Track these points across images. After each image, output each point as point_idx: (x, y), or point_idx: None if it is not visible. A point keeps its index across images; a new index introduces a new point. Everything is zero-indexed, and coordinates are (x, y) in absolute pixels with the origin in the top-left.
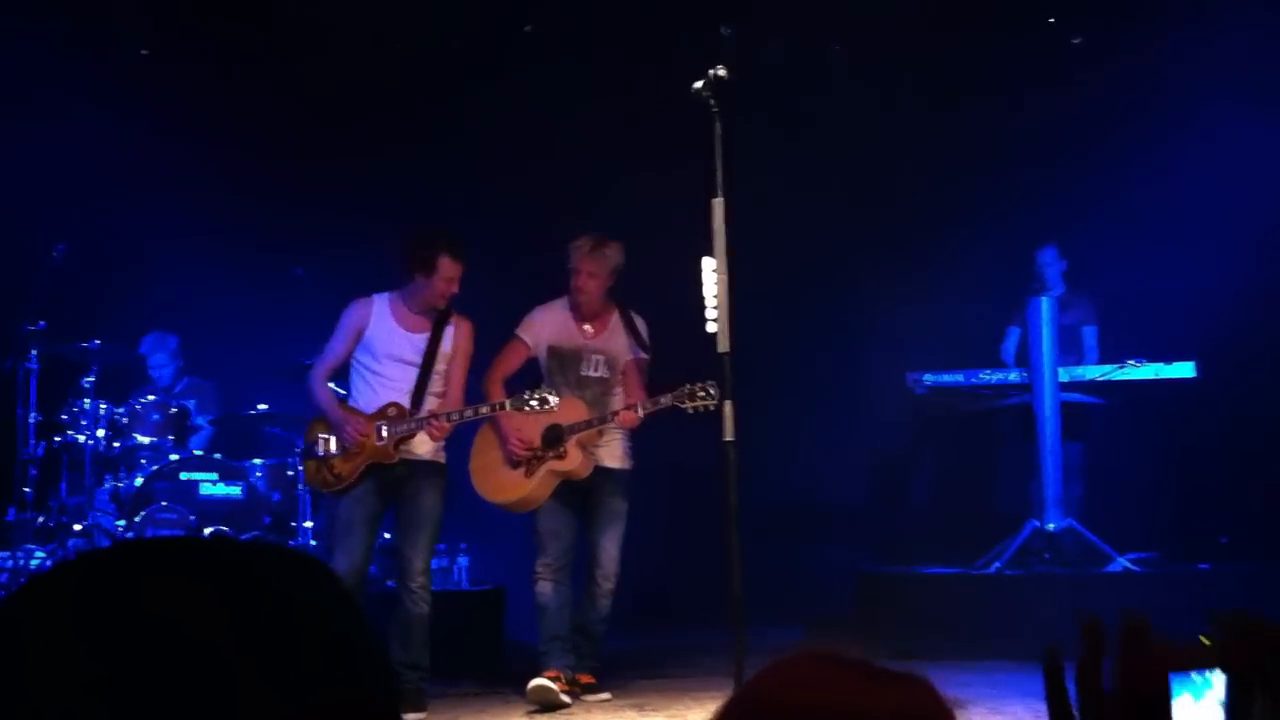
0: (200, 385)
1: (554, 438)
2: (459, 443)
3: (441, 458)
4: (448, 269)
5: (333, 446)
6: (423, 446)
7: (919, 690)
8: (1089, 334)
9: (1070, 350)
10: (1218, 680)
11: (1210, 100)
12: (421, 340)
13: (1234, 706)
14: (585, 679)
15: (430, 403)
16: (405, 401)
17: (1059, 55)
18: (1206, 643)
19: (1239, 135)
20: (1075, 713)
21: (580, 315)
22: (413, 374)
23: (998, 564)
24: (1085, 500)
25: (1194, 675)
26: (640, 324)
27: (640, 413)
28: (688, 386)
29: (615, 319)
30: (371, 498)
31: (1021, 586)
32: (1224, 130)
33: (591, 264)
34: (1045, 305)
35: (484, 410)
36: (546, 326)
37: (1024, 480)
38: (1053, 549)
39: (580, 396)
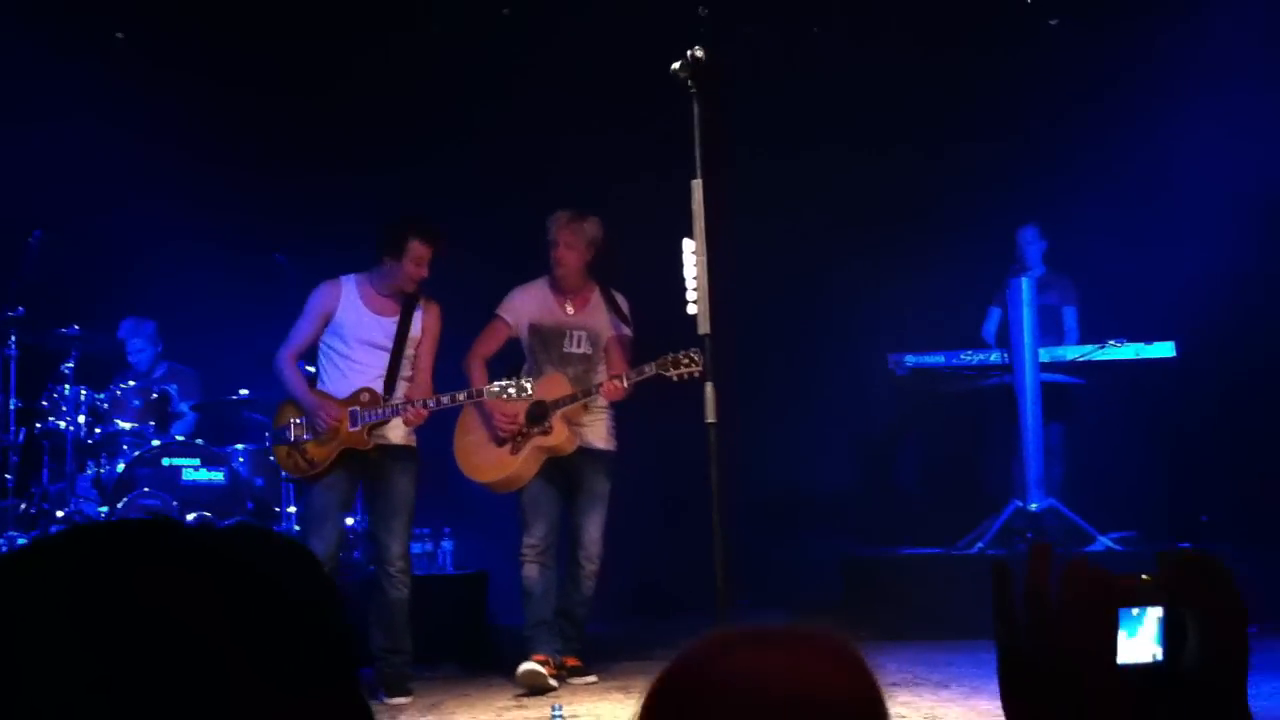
0: (180, 370)
1: (539, 414)
2: (432, 426)
3: (413, 441)
4: (417, 251)
5: (304, 431)
6: (395, 432)
7: (841, 663)
8: (1069, 314)
9: (1050, 331)
10: (1151, 615)
11: (1193, 81)
12: (391, 324)
13: (1169, 639)
14: (571, 662)
15: (402, 387)
16: (378, 387)
17: (1037, 36)
18: (1146, 579)
19: (1221, 116)
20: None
21: (561, 292)
22: (384, 359)
23: (980, 544)
24: (1066, 480)
25: (1131, 611)
26: (622, 301)
27: (625, 383)
28: (670, 355)
29: (596, 296)
30: (344, 483)
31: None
32: (1206, 111)
33: (569, 235)
34: (1025, 286)
35: (460, 398)
36: (527, 304)
37: (1006, 460)
38: (1035, 529)
39: (563, 373)
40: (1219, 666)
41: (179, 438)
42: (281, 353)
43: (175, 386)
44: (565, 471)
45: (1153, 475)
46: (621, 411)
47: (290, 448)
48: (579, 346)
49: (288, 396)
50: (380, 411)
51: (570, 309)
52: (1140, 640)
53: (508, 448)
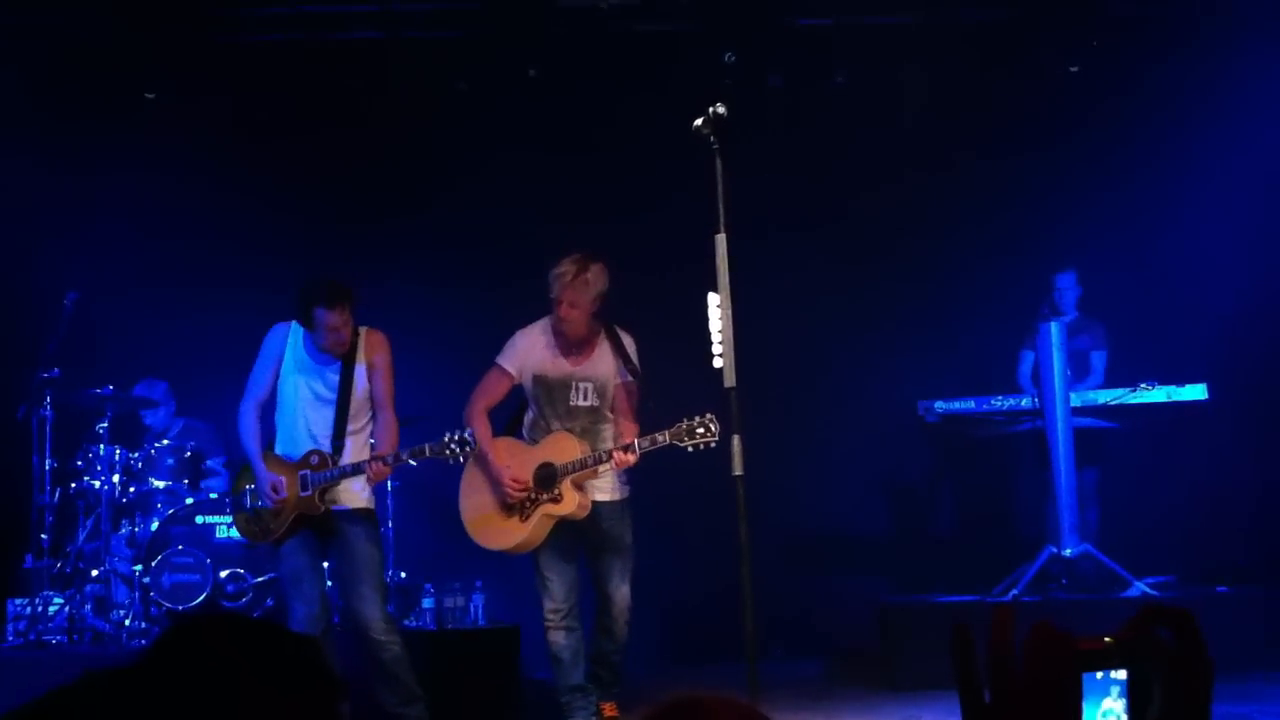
0: (196, 427)
1: (547, 478)
2: (451, 473)
3: (370, 503)
4: (325, 320)
5: (259, 498)
6: (348, 495)
7: None
8: (1098, 359)
9: (1080, 376)
10: (1115, 678)
11: (1219, 120)
12: (334, 374)
13: (1133, 702)
14: (609, 711)
15: (357, 440)
16: (326, 446)
17: (1059, 83)
18: (1109, 640)
19: (1249, 154)
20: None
21: (565, 339)
22: (330, 413)
23: (1015, 590)
24: (1101, 525)
25: (1095, 675)
26: (629, 343)
27: (636, 453)
28: (685, 423)
29: (602, 340)
30: (311, 540)
31: (1039, 613)
32: (1234, 150)
33: (573, 294)
34: (1055, 330)
35: (407, 457)
36: (531, 354)
37: (1039, 506)
38: (1070, 575)
39: (570, 428)
40: None
41: (212, 495)
42: (243, 405)
43: (192, 443)
44: (580, 528)
45: (1187, 518)
46: (650, 454)
47: (247, 516)
48: (585, 399)
49: (244, 461)
50: (329, 473)
51: (576, 358)
52: (1105, 702)
53: (516, 515)
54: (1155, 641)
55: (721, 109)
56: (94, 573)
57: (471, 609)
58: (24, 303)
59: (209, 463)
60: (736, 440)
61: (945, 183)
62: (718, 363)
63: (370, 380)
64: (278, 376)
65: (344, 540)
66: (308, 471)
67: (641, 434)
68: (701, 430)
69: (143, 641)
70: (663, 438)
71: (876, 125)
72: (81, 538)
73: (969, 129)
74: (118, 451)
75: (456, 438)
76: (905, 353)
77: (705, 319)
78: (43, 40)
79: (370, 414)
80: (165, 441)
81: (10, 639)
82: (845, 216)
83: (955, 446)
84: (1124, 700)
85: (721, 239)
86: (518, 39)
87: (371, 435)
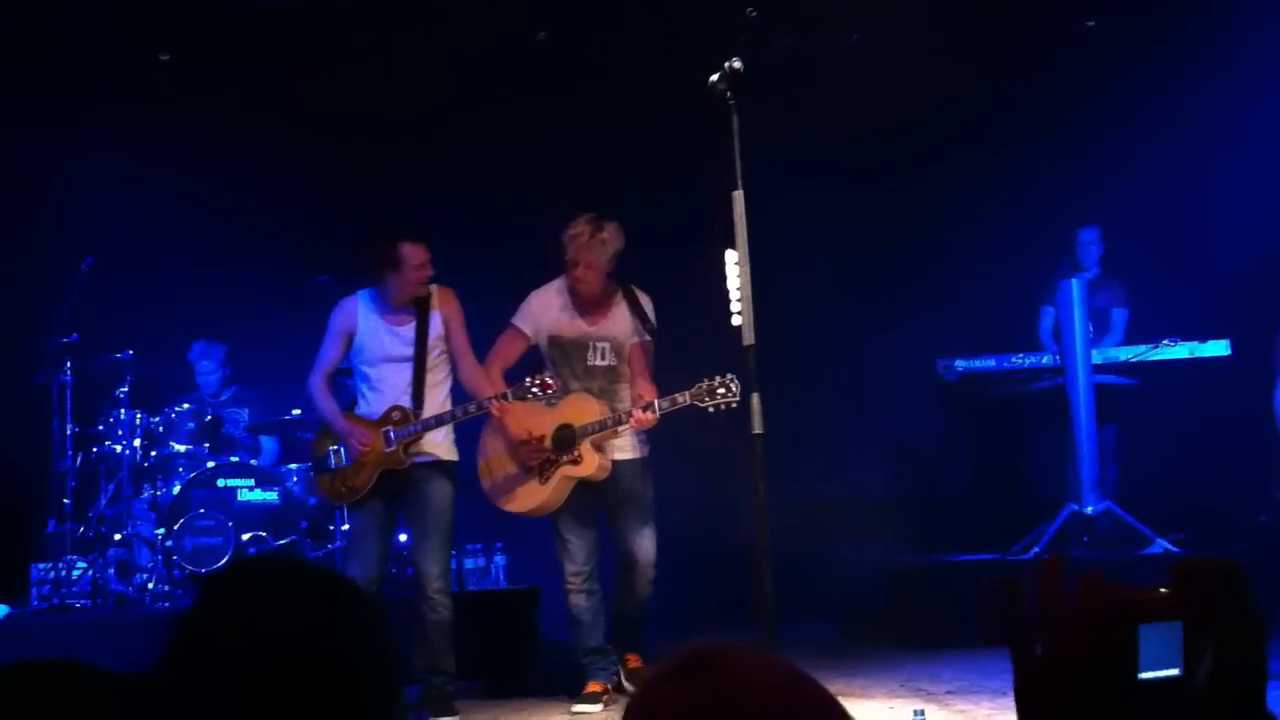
0: (247, 394)
1: (565, 440)
2: (460, 435)
3: (453, 455)
4: (413, 256)
5: (343, 457)
6: (433, 446)
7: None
8: (1119, 316)
9: (1100, 333)
10: (1169, 630)
11: (1241, 76)
12: (409, 331)
13: (1188, 654)
14: (633, 661)
15: (436, 392)
16: (406, 401)
17: (1077, 37)
18: (1163, 592)
19: (1272, 109)
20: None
21: (580, 299)
22: (408, 370)
23: (1036, 549)
24: (1121, 482)
25: (1149, 626)
26: (645, 301)
27: (656, 413)
28: (705, 383)
29: (618, 301)
30: (382, 505)
31: (1082, 569)
32: (1256, 105)
33: (589, 254)
34: (1075, 287)
35: (472, 409)
36: (546, 314)
37: (1059, 464)
38: (1091, 532)
39: (588, 389)
40: (1237, 679)
41: (233, 459)
42: (311, 378)
43: (245, 410)
44: (599, 487)
45: (1209, 475)
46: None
47: (331, 475)
48: (602, 359)
49: (323, 424)
50: (413, 426)
51: (593, 318)
52: (1159, 656)
53: (535, 477)
54: (1208, 594)
55: (737, 64)
56: (116, 537)
57: (493, 571)
58: (44, 270)
59: (232, 429)
60: (755, 398)
61: (965, 139)
62: (736, 320)
63: (447, 330)
64: (349, 349)
65: (420, 492)
66: (390, 428)
67: (660, 394)
68: (722, 390)
69: (166, 604)
70: (683, 398)
71: (893, 83)
72: (103, 502)
73: (988, 84)
74: (138, 416)
75: (536, 382)
76: (922, 311)
77: (721, 277)
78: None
79: (449, 368)
80: (186, 405)
81: (34, 603)
82: (863, 174)
83: (973, 405)
84: (1177, 654)
85: (739, 196)
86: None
87: (455, 387)
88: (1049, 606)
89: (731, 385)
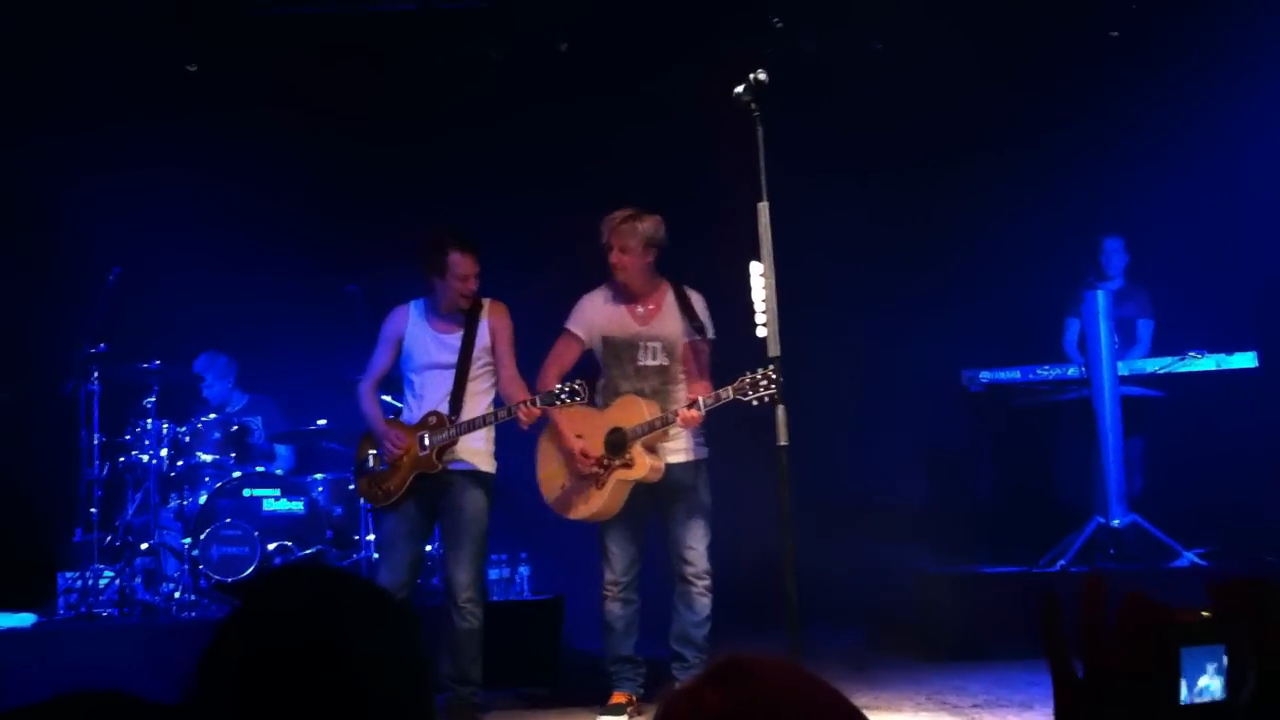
0: (260, 400)
1: (617, 443)
2: (505, 448)
3: (490, 466)
4: (460, 265)
5: (380, 461)
6: (468, 454)
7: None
8: (1144, 327)
9: (1126, 344)
10: (1212, 653)
11: (1268, 85)
12: (455, 340)
13: (1231, 677)
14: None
15: (477, 401)
16: (444, 408)
17: (1101, 45)
18: (1206, 615)
19: None
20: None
21: (629, 298)
22: (449, 378)
23: (1062, 561)
24: (1147, 495)
25: (1192, 648)
26: (697, 301)
27: (701, 409)
28: (747, 376)
29: (669, 299)
30: (415, 510)
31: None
32: None
33: (620, 238)
34: (1100, 298)
35: (502, 414)
36: (597, 315)
37: (1085, 475)
38: (1117, 545)
39: (640, 390)
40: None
41: (259, 469)
42: (361, 384)
43: (259, 418)
44: (662, 490)
45: (1236, 488)
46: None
47: (370, 478)
48: (654, 359)
49: (366, 429)
50: (447, 433)
51: (642, 317)
52: (1202, 678)
53: (592, 483)
54: (1250, 616)
55: (762, 75)
56: (143, 546)
57: (517, 580)
58: (72, 280)
59: (256, 438)
60: (780, 410)
61: (989, 149)
62: (761, 331)
63: (493, 341)
64: (398, 355)
65: (455, 500)
66: (426, 432)
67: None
68: (765, 383)
69: (192, 614)
70: (726, 394)
71: (918, 91)
72: (130, 511)
73: (1012, 94)
74: (165, 425)
75: (566, 387)
76: (947, 321)
77: (745, 288)
78: (85, 16)
79: (493, 379)
80: (212, 415)
81: (61, 612)
82: (887, 183)
83: (998, 416)
84: (1220, 677)
85: (764, 207)
86: (550, 6)
87: (494, 394)
88: (1090, 627)
89: (773, 376)
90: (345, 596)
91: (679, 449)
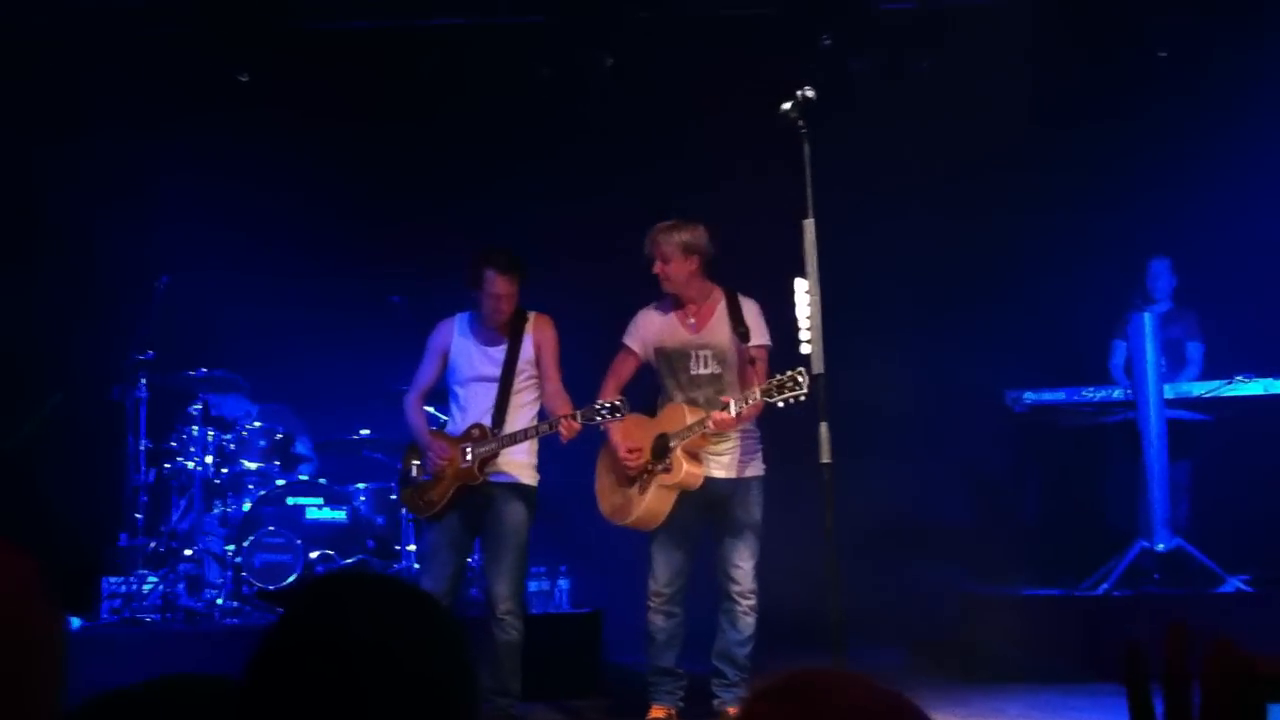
0: (274, 409)
1: (661, 449)
2: (546, 462)
3: (532, 479)
4: (494, 284)
5: (424, 472)
6: (510, 466)
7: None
8: (1194, 349)
9: (1174, 367)
10: None
11: None
12: (500, 353)
13: None
14: (733, 712)
15: (520, 414)
16: (487, 420)
17: (1148, 67)
18: None
19: None
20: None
21: (679, 307)
22: (493, 390)
23: (1105, 585)
24: (1193, 519)
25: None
26: (750, 307)
27: (732, 412)
28: (775, 378)
29: (720, 307)
30: (457, 522)
31: (1131, 608)
32: None
33: (662, 247)
34: (1147, 321)
35: (544, 428)
36: (651, 327)
37: (1130, 498)
38: (1161, 569)
39: (693, 398)
40: None
41: (302, 477)
42: (407, 396)
43: (282, 426)
44: (702, 506)
45: None
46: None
47: (413, 489)
48: (706, 367)
49: (412, 439)
50: (490, 445)
51: (693, 325)
52: None
53: (636, 486)
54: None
55: (810, 93)
56: (187, 552)
57: (556, 594)
58: (121, 287)
59: (298, 447)
60: (824, 427)
61: (1036, 168)
62: (805, 349)
63: (537, 355)
64: (444, 368)
65: (496, 513)
66: (469, 444)
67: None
68: (791, 385)
69: (235, 620)
70: (754, 395)
71: (964, 111)
72: (175, 517)
73: (1059, 114)
74: (211, 433)
75: (605, 405)
76: (992, 340)
77: (789, 305)
78: (136, 27)
79: (536, 393)
80: (258, 424)
81: (105, 616)
82: (934, 202)
83: (1042, 437)
84: None
85: (809, 224)
86: (598, 24)
87: (539, 406)
88: (1174, 675)
89: (800, 378)
90: (397, 603)
91: (724, 463)
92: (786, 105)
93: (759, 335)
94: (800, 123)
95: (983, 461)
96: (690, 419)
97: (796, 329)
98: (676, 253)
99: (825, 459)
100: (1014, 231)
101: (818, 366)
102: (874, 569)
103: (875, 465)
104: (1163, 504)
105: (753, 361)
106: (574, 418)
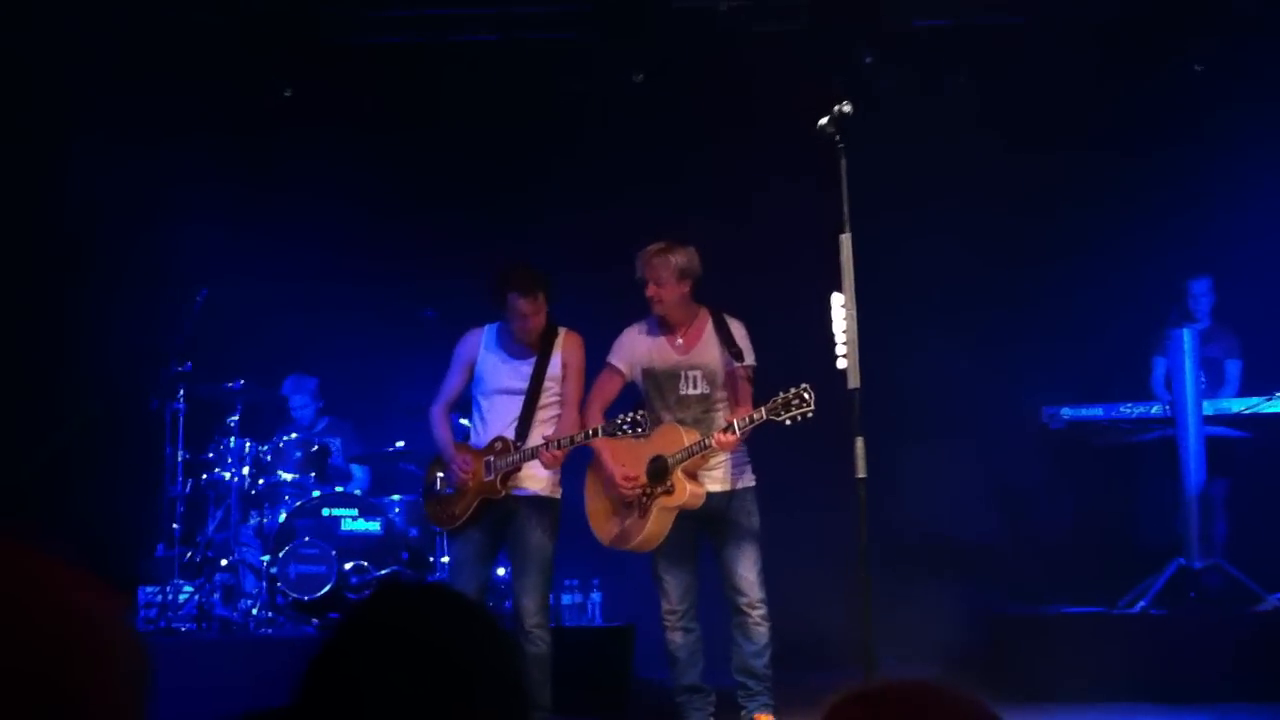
0: (340, 424)
1: (659, 471)
2: (576, 474)
3: (554, 492)
4: (517, 305)
5: (448, 484)
6: (532, 481)
7: None
8: (1233, 367)
9: (1213, 385)
10: None
11: None
12: (527, 366)
13: None
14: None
15: (542, 429)
16: (511, 433)
17: (1184, 83)
18: None
19: None
20: None
21: (668, 329)
22: (518, 404)
23: (1142, 603)
24: (1231, 537)
25: None
26: (736, 328)
27: (736, 432)
28: (780, 396)
29: (707, 328)
30: (482, 535)
31: (1168, 627)
32: None
33: (654, 271)
34: (1187, 337)
35: (579, 438)
36: (637, 347)
37: (1167, 516)
38: (1198, 588)
39: (681, 419)
40: None
41: (338, 489)
42: (432, 407)
43: (339, 440)
44: (700, 521)
45: None
46: (759, 452)
47: (437, 502)
48: (694, 387)
49: (437, 451)
50: (512, 459)
51: (681, 347)
52: None
53: (635, 512)
54: None
55: (847, 107)
56: (223, 562)
57: (589, 608)
58: (161, 299)
59: (337, 460)
60: (859, 442)
61: (1073, 184)
62: (841, 363)
63: (564, 373)
64: (471, 379)
65: (519, 526)
66: (492, 457)
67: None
68: (797, 402)
69: (269, 630)
70: (759, 414)
71: (1000, 127)
72: (211, 528)
73: (1094, 131)
74: (247, 444)
75: (628, 418)
76: (1029, 356)
77: (824, 320)
78: (176, 42)
79: (559, 409)
80: (294, 435)
81: (141, 626)
82: (971, 218)
83: (1080, 454)
84: None
85: (846, 238)
86: (630, 40)
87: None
88: None
89: (805, 395)
90: (467, 613)
91: (717, 478)
92: (824, 120)
93: (750, 355)
94: (837, 137)
95: (1019, 477)
96: (688, 440)
97: (833, 343)
98: (671, 277)
99: (860, 474)
100: (1052, 246)
101: (854, 381)
102: (903, 586)
103: (910, 480)
104: (1199, 522)
105: (739, 381)
106: (597, 432)
